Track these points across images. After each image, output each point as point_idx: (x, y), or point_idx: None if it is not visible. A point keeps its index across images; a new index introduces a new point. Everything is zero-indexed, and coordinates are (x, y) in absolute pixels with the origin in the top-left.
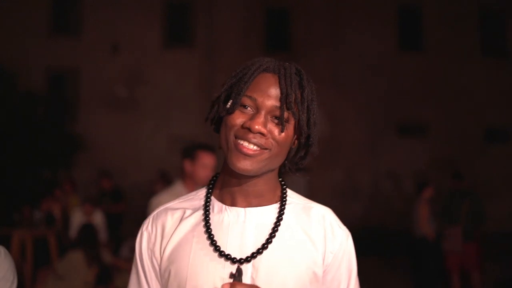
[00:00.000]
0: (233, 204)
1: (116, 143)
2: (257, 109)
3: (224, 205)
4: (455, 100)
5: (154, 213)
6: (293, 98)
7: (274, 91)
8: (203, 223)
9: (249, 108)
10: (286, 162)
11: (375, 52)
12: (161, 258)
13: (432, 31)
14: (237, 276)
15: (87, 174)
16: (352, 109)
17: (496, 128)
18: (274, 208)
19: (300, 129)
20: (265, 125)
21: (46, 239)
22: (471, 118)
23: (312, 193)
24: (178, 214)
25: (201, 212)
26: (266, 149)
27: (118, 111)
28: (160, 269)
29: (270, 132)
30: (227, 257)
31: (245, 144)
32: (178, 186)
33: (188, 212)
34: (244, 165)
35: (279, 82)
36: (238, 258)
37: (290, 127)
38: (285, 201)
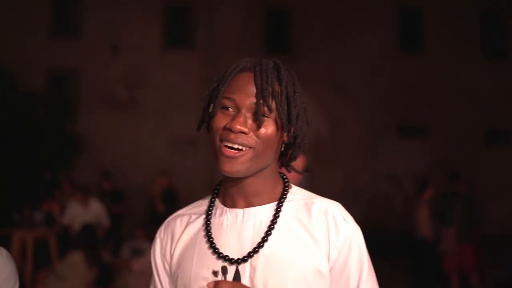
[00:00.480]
0: (233, 206)
1: (116, 144)
2: (238, 109)
3: (225, 208)
4: (456, 101)
5: (167, 220)
6: (270, 92)
7: (251, 89)
8: (204, 227)
9: (230, 109)
10: (283, 157)
11: (375, 53)
12: (171, 262)
13: (433, 31)
14: (221, 274)
15: (87, 174)
16: (352, 109)
17: (496, 129)
18: (273, 206)
19: (281, 122)
20: (245, 124)
21: (46, 240)
22: (472, 119)
23: None
24: (185, 219)
25: (204, 216)
26: (250, 147)
27: (118, 112)
28: (171, 273)
29: (252, 130)
30: (225, 258)
31: (229, 145)
32: None
33: (193, 217)
34: (230, 167)
35: (254, 79)
36: (235, 259)
37: (271, 122)
38: (284, 198)
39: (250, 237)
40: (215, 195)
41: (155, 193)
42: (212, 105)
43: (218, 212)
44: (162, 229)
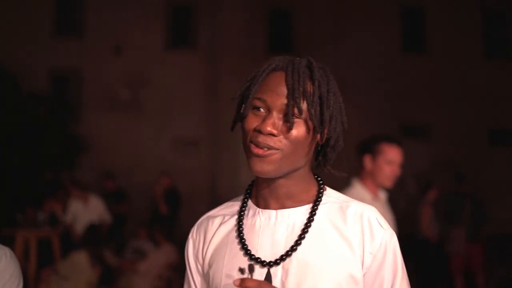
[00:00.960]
0: (266, 207)
1: (119, 144)
2: (269, 110)
3: (258, 209)
4: (458, 101)
5: (199, 221)
6: (301, 92)
7: (283, 89)
8: (236, 227)
9: (261, 110)
10: (320, 158)
11: (378, 53)
12: (203, 262)
13: (436, 32)
14: (247, 272)
15: (89, 174)
16: (355, 110)
17: (499, 129)
18: (307, 208)
19: (313, 124)
20: (275, 126)
21: (49, 240)
22: (474, 119)
23: None
24: (217, 220)
25: (237, 217)
26: (277, 149)
27: (121, 113)
28: (203, 272)
29: (282, 131)
30: (257, 260)
31: (257, 146)
32: (357, 186)
33: (226, 218)
34: (259, 167)
35: (286, 78)
36: (267, 261)
37: (302, 123)
38: (319, 201)
39: (283, 239)
40: (247, 196)
41: (157, 193)
42: (244, 105)
43: (251, 213)
44: (194, 229)
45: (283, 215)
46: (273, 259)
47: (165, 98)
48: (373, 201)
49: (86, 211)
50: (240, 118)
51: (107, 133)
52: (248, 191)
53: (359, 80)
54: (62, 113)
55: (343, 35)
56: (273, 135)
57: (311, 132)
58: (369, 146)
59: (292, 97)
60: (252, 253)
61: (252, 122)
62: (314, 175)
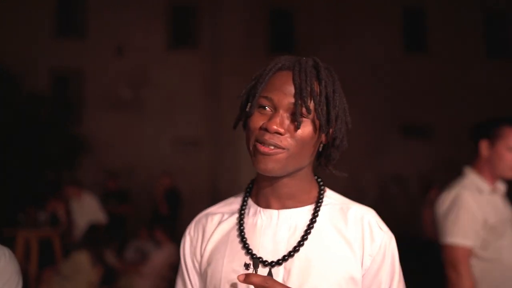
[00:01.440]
0: (267, 206)
1: (120, 144)
2: (275, 109)
3: (259, 208)
4: (459, 101)
5: (197, 218)
6: (309, 92)
7: (290, 88)
8: (237, 226)
9: (268, 109)
10: (321, 158)
11: (379, 54)
12: (201, 260)
13: (437, 32)
14: (252, 268)
15: (91, 174)
16: (357, 110)
17: None
18: (309, 209)
19: (320, 123)
20: (282, 125)
21: (50, 240)
22: (476, 119)
23: None
24: (217, 218)
25: (237, 215)
26: (283, 148)
27: (122, 112)
28: (200, 270)
29: (289, 130)
30: (259, 259)
31: (263, 145)
32: (470, 176)
33: (226, 216)
34: (265, 165)
35: (293, 78)
36: (269, 261)
37: (309, 123)
38: (321, 202)
39: (285, 239)
40: (247, 194)
41: (158, 193)
42: (249, 103)
43: (252, 211)
44: (192, 226)
45: (285, 215)
46: (274, 259)
47: (165, 98)
48: (492, 193)
49: (79, 209)
50: (245, 116)
51: (108, 133)
52: (248, 189)
53: (359, 80)
54: (62, 113)
55: (344, 35)
56: (280, 133)
57: (317, 132)
58: (487, 130)
59: (300, 96)
60: (253, 252)
61: (258, 120)
62: (314, 175)
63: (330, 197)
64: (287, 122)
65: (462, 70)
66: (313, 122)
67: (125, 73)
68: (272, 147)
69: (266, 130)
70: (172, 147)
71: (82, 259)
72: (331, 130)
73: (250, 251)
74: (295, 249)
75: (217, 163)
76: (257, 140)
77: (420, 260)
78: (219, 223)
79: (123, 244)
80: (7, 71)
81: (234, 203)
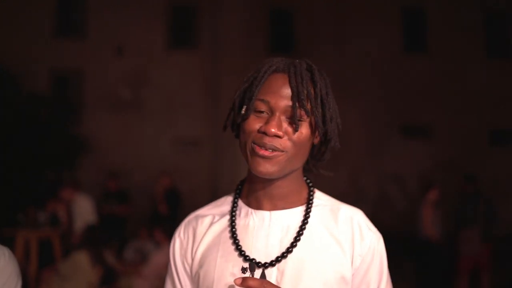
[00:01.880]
0: (258, 207)
1: (120, 144)
2: (272, 112)
3: (250, 209)
4: (460, 101)
5: (186, 220)
6: (305, 94)
7: (286, 91)
8: (229, 228)
9: (264, 111)
10: (309, 159)
11: (379, 54)
12: (192, 262)
13: (437, 32)
14: (249, 272)
15: (91, 175)
16: (356, 109)
17: (501, 129)
18: (300, 210)
19: (316, 125)
20: (280, 127)
21: (50, 240)
22: (476, 120)
23: None
24: (207, 220)
25: (228, 217)
26: (282, 151)
27: (122, 113)
28: (191, 273)
29: (286, 133)
30: (252, 261)
31: (262, 148)
32: None
33: (216, 217)
34: (264, 168)
35: (289, 81)
36: (262, 262)
37: (306, 125)
38: (311, 203)
39: (277, 240)
40: (237, 195)
41: (158, 193)
42: (245, 106)
43: (243, 213)
44: (181, 228)
45: (277, 216)
46: (267, 260)
47: (165, 98)
48: None
49: (73, 211)
50: (241, 119)
51: (108, 133)
52: (238, 190)
53: (359, 80)
54: (62, 113)
55: (344, 35)
56: (278, 136)
57: (313, 134)
58: None
59: (298, 99)
60: (246, 254)
61: (254, 123)
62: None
63: (320, 198)
64: (284, 124)
65: (462, 70)
66: (309, 124)
67: (125, 73)
68: (271, 150)
69: (264, 133)
70: (172, 147)
71: (81, 259)
72: (327, 132)
73: (243, 252)
74: (288, 250)
75: (217, 163)
76: (254, 143)
77: (420, 260)
78: (210, 225)
79: (123, 244)
80: (7, 71)
81: (224, 204)
